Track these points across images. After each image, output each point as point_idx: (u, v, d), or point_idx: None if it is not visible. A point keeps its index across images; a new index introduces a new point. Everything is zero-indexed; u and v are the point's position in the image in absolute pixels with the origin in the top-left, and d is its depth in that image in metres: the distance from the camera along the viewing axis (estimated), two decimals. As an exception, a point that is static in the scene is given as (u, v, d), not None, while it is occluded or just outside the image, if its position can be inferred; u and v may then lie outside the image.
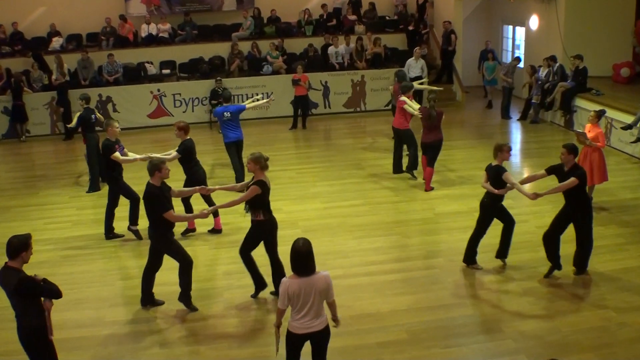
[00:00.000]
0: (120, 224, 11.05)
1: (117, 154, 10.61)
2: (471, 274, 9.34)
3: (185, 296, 8.52)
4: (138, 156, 10.88)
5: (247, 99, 18.81)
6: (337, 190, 13.00)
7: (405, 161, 13.64)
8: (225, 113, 12.85)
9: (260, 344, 7.75)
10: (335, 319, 6.29)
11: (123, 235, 10.96)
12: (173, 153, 10.62)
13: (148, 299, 8.63)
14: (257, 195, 8.20)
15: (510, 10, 21.39)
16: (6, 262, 6.13)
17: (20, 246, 6.10)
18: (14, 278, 5.99)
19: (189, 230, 11.08)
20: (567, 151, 8.66)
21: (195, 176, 10.65)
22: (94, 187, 13.44)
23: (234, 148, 13.05)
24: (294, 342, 6.13)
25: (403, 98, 13.10)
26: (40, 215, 12.24)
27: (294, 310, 6.01)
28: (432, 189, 12.79)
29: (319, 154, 15.90)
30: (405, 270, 9.37)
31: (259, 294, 8.76)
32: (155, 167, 8.14)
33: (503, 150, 9.07)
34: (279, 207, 11.69)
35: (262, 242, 8.54)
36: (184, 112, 18.97)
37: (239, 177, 12.89)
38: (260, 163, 8.27)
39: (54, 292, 6.24)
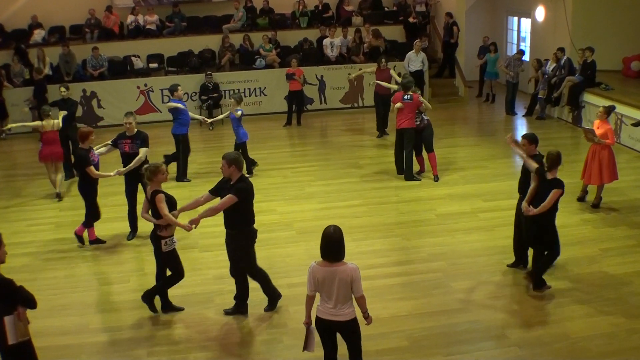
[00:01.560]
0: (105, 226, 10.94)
1: (92, 167, 10.20)
2: (474, 278, 9.14)
3: (150, 296, 8.34)
4: (111, 173, 10.51)
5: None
6: (334, 190, 12.86)
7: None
8: (237, 112, 13.34)
9: (253, 351, 7.65)
10: (365, 315, 6.34)
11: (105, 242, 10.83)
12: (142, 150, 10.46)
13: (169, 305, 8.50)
14: None
15: (515, 1, 21.36)
16: None
17: None
18: None
19: None
20: (527, 142, 8.83)
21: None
22: (68, 175, 13.60)
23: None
24: (320, 327, 6.28)
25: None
26: (21, 217, 12.10)
27: (321, 296, 6.18)
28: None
29: (314, 152, 15.74)
30: (406, 274, 9.23)
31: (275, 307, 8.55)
32: (155, 171, 8.00)
33: None
34: (273, 207, 12.13)
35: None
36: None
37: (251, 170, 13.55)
38: (238, 164, 7.92)
39: (30, 302, 6.03)
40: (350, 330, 6.22)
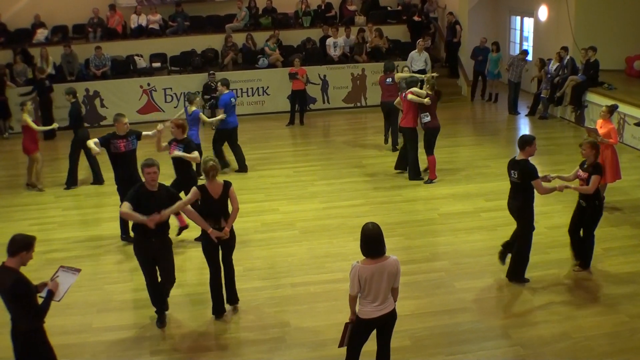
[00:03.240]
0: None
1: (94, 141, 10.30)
2: (476, 277, 9.08)
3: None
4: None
5: (242, 94, 18.95)
6: (336, 190, 12.81)
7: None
8: (232, 99, 13.42)
9: (256, 350, 7.59)
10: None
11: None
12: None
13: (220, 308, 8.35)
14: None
15: (518, 0, 21.23)
16: (4, 262, 5.98)
17: (22, 245, 5.93)
18: (10, 279, 5.84)
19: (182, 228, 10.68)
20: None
21: (191, 182, 10.10)
22: (72, 182, 13.39)
23: (235, 134, 13.68)
24: (364, 329, 6.27)
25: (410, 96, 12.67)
26: (24, 216, 12.03)
27: (364, 296, 6.12)
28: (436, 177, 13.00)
29: (317, 152, 15.67)
30: (408, 274, 9.00)
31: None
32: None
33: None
34: (275, 207, 12.05)
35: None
36: (175, 107, 18.74)
37: (242, 166, 13.82)
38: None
39: (42, 311, 6.12)
40: (393, 319, 6.28)
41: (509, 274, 8.86)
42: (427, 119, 12.56)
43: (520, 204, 8.63)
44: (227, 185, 7.90)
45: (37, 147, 13.17)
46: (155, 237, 7.75)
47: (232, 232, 8.00)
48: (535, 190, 8.51)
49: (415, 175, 13.02)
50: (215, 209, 7.86)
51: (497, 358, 7.27)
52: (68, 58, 18.47)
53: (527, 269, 8.95)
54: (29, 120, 12.89)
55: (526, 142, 8.57)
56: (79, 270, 6.59)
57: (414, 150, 12.93)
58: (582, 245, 8.99)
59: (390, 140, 15.24)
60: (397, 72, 15.33)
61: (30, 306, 5.97)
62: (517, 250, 8.78)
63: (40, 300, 6.15)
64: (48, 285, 6.24)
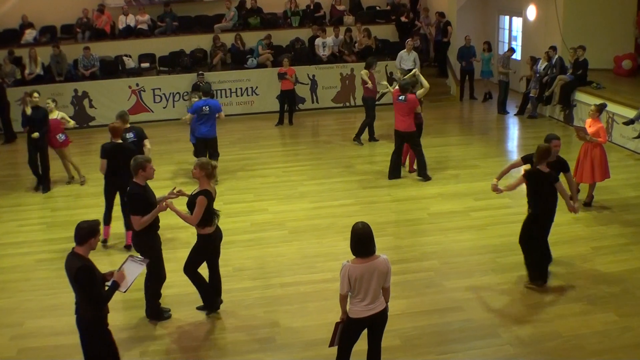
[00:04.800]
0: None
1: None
2: (466, 276, 9.10)
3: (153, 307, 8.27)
4: None
5: (231, 95, 18.88)
6: (326, 190, 12.79)
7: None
8: (204, 107, 12.65)
9: (246, 350, 7.59)
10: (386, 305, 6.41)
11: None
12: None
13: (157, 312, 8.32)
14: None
15: (506, 0, 21.24)
16: (73, 248, 6.19)
17: (88, 232, 6.13)
18: (76, 265, 6.04)
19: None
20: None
21: None
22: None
23: (203, 145, 12.89)
24: (354, 328, 6.29)
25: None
26: (12, 217, 11.98)
27: (354, 295, 6.14)
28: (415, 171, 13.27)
29: (306, 152, 15.65)
30: (398, 273, 8.92)
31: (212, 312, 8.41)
32: (140, 165, 7.77)
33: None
34: (265, 207, 12.00)
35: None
36: (164, 107, 18.79)
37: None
38: (207, 170, 7.78)
39: (103, 300, 6.25)
40: (384, 319, 6.30)
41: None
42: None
43: None
44: None
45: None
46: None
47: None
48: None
49: (426, 176, 12.93)
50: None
51: (488, 357, 7.26)
52: (57, 58, 18.39)
53: (516, 268, 8.97)
54: (66, 116, 13.05)
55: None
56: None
57: (420, 150, 12.88)
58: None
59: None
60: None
61: (92, 294, 6.10)
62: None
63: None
64: (114, 275, 6.37)
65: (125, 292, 6.49)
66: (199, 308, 8.33)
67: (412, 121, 12.62)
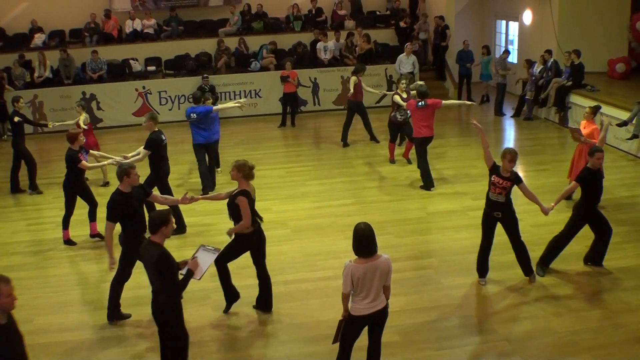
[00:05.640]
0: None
1: (84, 162, 10.47)
2: (464, 274, 9.14)
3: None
4: (105, 162, 10.64)
5: (235, 97, 18.93)
6: (327, 190, 12.88)
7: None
8: (192, 114, 12.44)
9: (249, 347, 7.62)
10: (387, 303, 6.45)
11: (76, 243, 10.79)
12: (141, 152, 10.43)
13: (115, 313, 8.26)
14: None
15: (503, 5, 21.36)
16: (149, 237, 6.37)
17: (160, 221, 6.27)
18: (156, 252, 6.17)
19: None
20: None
21: (160, 172, 10.48)
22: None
23: (203, 151, 12.76)
24: (357, 325, 6.32)
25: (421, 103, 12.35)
26: (21, 217, 12.12)
27: (356, 293, 6.17)
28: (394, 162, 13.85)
29: (308, 153, 15.75)
30: (398, 271, 8.74)
31: (231, 308, 8.42)
32: (124, 172, 7.81)
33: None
34: (268, 206, 11.89)
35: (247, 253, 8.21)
36: (170, 110, 18.93)
37: (206, 186, 12.66)
38: (244, 171, 7.86)
39: (180, 288, 6.39)
40: (385, 315, 6.34)
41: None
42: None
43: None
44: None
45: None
46: None
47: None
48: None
49: (428, 184, 12.65)
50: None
51: (484, 353, 7.31)
52: (65, 62, 18.56)
53: (512, 266, 9.04)
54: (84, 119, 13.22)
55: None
56: (218, 250, 6.90)
57: (425, 161, 12.63)
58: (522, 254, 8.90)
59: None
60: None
61: (170, 281, 6.25)
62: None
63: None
64: (188, 264, 6.55)
65: (199, 279, 6.66)
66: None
67: (429, 126, 12.34)
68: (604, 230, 9.06)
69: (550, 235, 9.24)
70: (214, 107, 12.79)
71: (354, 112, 15.65)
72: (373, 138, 15.97)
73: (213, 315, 8.30)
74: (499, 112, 18.49)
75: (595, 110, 11.57)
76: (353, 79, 15.40)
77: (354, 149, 15.64)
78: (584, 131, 11.19)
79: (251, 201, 7.84)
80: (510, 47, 20.96)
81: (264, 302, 8.32)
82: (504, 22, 21.90)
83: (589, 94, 16.05)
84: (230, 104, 13.40)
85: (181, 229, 10.78)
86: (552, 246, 9.11)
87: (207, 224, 11.14)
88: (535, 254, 9.42)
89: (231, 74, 19.57)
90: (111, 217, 7.76)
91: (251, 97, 19.41)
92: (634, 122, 13.89)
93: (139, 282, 8.83)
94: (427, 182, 12.60)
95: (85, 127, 13.01)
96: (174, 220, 6.45)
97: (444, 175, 13.34)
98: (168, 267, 6.22)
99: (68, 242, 10.72)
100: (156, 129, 10.64)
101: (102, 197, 12.39)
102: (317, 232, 10.78)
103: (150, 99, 18.87)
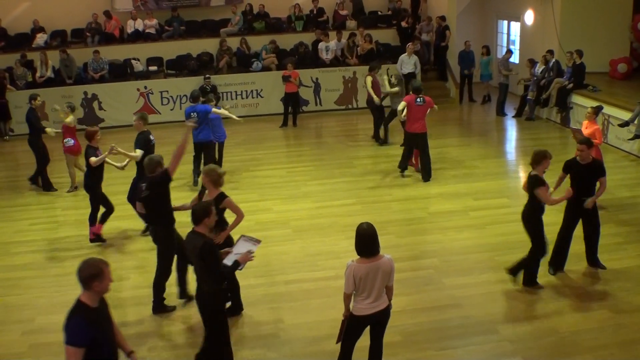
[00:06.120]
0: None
1: (92, 158, 10.46)
2: (465, 274, 9.17)
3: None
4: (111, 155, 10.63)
5: (237, 97, 18.91)
6: (328, 190, 12.88)
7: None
8: (192, 113, 12.55)
9: (251, 347, 7.63)
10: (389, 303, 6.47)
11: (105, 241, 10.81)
12: (137, 152, 10.48)
13: (160, 306, 8.45)
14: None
15: (505, 5, 21.35)
16: (193, 228, 6.53)
17: (202, 214, 6.47)
18: (200, 241, 6.33)
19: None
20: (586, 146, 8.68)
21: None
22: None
23: (199, 150, 12.91)
24: (358, 325, 6.34)
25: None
26: (24, 216, 12.11)
27: (359, 293, 6.17)
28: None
29: (310, 153, 15.76)
30: (399, 271, 8.94)
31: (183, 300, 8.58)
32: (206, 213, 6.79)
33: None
34: (269, 206, 11.93)
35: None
36: (171, 109, 18.95)
37: (195, 181, 12.94)
38: (211, 176, 7.81)
39: (223, 276, 6.57)
40: (387, 316, 6.35)
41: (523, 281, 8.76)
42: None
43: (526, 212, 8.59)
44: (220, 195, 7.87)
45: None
46: None
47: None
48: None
49: (429, 175, 13.12)
50: None
51: (486, 353, 7.32)
52: (65, 62, 18.57)
53: (515, 267, 8.95)
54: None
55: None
56: (259, 241, 6.98)
57: (428, 154, 13.09)
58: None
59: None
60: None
61: (213, 270, 6.38)
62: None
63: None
64: (230, 252, 6.74)
65: (241, 269, 6.81)
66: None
67: (425, 121, 12.83)
68: (592, 231, 9.05)
69: (550, 235, 9.15)
70: (213, 109, 12.92)
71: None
72: (377, 137, 15.94)
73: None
74: (501, 112, 18.48)
75: (597, 110, 11.60)
76: (369, 78, 15.47)
77: (355, 149, 15.64)
78: (586, 131, 11.17)
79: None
80: (512, 47, 20.97)
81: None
82: (505, 22, 21.89)
83: (591, 94, 16.06)
84: (226, 113, 13.61)
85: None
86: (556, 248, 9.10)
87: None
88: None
89: (233, 74, 19.57)
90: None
91: (253, 97, 19.45)
92: (635, 122, 13.90)
93: (139, 283, 9.00)
94: (402, 166, 13.38)
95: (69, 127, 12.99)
96: (215, 211, 6.63)
97: (445, 176, 13.35)
98: (212, 257, 6.34)
99: (96, 238, 10.71)
100: (145, 129, 10.69)
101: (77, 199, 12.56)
102: (318, 232, 10.78)
103: (152, 99, 18.88)
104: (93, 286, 4.94)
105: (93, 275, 4.94)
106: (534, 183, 8.24)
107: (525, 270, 8.68)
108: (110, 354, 5.09)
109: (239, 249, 6.80)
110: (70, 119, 12.89)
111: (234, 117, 13.79)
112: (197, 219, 6.45)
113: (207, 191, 7.94)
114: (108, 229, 10.96)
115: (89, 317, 4.90)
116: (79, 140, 12.87)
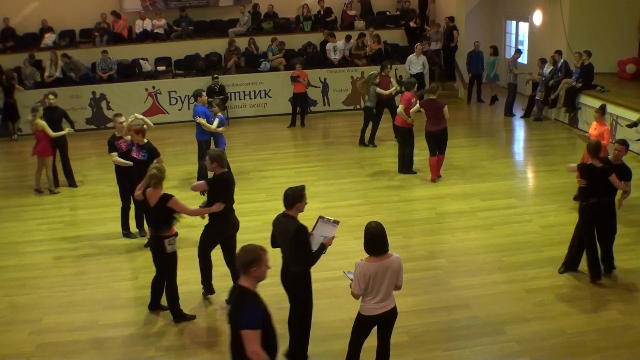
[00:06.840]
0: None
1: (114, 153, 10.41)
2: (473, 275, 9.18)
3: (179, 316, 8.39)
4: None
5: (245, 97, 18.93)
6: (336, 190, 12.89)
7: None
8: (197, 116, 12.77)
9: None
10: None
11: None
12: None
13: (209, 287, 8.71)
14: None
15: (513, 5, 21.31)
16: (284, 211, 6.75)
17: (295, 197, 6.68)
18: (294, 225, 6.57)
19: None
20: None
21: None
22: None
23: (205, 147, 12.81)
24: (366, 325, 6.37)
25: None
26: (32, 216, 12.11)
27: (367, 293, 6.19)
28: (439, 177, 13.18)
29: (318, 153, 15.76)
30: (407, 272, 8.93)
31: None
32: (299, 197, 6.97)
33: None
34: (277, 206, 11.50)
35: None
36: (179, 110, 18.96)
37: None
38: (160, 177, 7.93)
39: (312, 259, 6.73)
40: (394, 316, 6.38)
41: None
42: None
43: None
44: (165, 197, 7.88)
45: (52, 151, 13.06)
46: None
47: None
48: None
49: (409, 169, 13.52)
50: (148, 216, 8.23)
51: (493, 353, 7.32)
52: (69, 65, 18.58)
53: (521, 267, 9.07)
54: (45, 125, 12.72)
55: None
56: (338, 222, 7.01)
57: (412, 147, 13.54)
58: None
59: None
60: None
61: (304, 251, 6.62)
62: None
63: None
64: (313, 236, 6.82)
65: (325, 252, 6.92)
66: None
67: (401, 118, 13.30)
68: (604, 237, 8.97)
69: (558, 235, 9.31)
70: (210, 126, 12.68)
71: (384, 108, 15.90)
72: (371, 141, 15.87)
73: (222, 315, 8.24)
74: (509, 113, 18.45)
75: (602, 110, 11.61)
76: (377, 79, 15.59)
77: (363, 150, 15.64)
78: (595, 132, 11.18)
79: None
80: (520, 48, 20.86)
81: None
82: (514, 22, 21.82)
83: (599, 94, 16.01)
84: (214, 129, 12.96)
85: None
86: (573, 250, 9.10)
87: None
88: (544, 254, 9.53)
89: (241, 74, 19.56)
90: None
91: (261, 98, 19.44)
92: (644, 123, 13.84)
93: (144, 284, 8.99)
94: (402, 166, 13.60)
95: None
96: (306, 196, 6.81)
97: (453, 176, 13.34)
98: (305, 240, 6.58)
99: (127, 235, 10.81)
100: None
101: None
102: (326, 232, 10.78)
103: (160, 98, 18.90)
104: (251, 271, 5.14)
105: (251, 260, 5.14)
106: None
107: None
108: (274, 336, 5.32)
109: (320, 231, 6.90)
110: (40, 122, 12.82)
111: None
112: (290, 202, 6.67)
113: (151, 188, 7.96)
114: (115, 228, 10.98)
115: (257, 300, 5.15)
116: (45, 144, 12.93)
